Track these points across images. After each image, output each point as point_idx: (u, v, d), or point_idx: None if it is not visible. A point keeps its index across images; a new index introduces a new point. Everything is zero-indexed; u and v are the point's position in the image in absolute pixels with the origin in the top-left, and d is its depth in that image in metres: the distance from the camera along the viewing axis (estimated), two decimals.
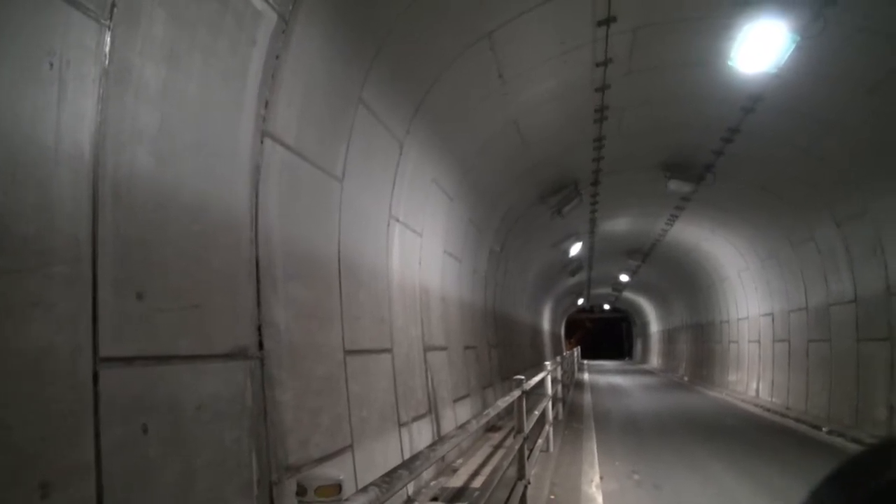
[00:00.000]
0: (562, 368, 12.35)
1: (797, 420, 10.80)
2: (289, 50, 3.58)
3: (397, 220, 5.83)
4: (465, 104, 6.74)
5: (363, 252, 5.00)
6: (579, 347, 33.28)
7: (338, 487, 1.37)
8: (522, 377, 4.47)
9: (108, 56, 2.40)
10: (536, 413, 5.58)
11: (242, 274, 3.23)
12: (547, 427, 7.29)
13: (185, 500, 2.54)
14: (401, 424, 5.39)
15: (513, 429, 4.86)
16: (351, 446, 4.23)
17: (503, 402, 4.16)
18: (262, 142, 3.46)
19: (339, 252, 4.44)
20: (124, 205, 2.45)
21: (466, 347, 8.85)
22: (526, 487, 4.12)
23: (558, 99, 7.99)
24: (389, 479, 1.72)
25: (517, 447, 4.17)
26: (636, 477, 6.66)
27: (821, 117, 8.17)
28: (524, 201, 11.52)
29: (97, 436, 2.15)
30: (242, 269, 3.23)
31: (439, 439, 2.38)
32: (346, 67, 4.36)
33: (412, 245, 6.43)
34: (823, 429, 9.63)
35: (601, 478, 6.61)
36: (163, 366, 2.55)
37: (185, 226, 2.81)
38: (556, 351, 27.88)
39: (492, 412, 3.72)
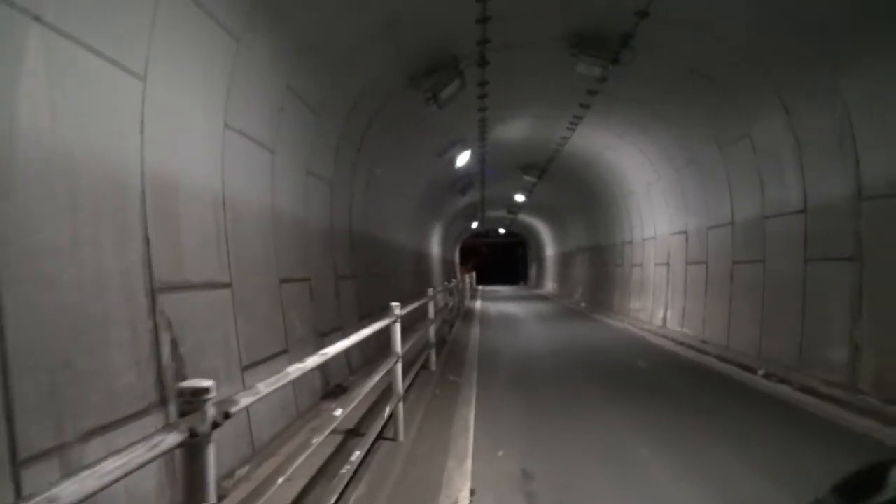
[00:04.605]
0: (443, 299, 9.79)
1: (720, 358, 8.83)
2: None
3: (42, 28, 2.64)
4: None
5: None
6: (475, 273, 31.49)
7: None
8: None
9: None
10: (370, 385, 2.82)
11: None
12: (389, 407, 4.56)
13: None
14: (30, 459, 2.43)
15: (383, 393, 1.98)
16: None
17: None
18: None
19: None
20: None
21: (285, 281, 5.90)
22: None
23: None
24: None
25: None
26: (532, 485, 4.13)
27: None
28: (389, 81, 8.45)
29: None
30: None
31: None
32: None
33: (108, 90, 3.25)
34: (759, 372, 7.63)
35: (472, 491, 4.03)
36: None
37: None
38: (449, 278, 25.56)
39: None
